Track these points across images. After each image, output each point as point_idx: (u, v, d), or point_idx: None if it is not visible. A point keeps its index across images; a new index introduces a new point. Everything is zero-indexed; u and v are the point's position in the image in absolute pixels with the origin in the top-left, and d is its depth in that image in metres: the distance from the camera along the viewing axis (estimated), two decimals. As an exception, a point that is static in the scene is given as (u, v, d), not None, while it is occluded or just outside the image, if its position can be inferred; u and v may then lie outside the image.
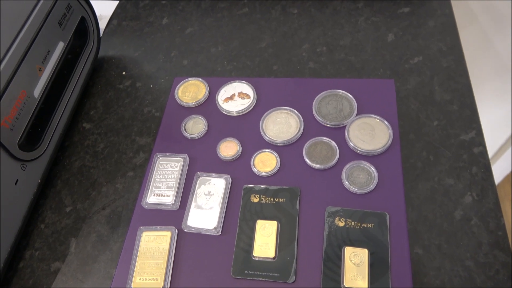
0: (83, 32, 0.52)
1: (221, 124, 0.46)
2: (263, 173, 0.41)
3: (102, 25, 0.60)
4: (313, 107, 0.45)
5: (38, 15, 0.43)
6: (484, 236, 0.37)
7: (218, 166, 0.43)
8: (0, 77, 0.37)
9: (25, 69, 0.41)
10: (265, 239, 0.37)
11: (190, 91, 0.49)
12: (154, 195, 0.41)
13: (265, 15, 0.57)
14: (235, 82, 0.48)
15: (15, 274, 0.40)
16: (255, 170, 0.41)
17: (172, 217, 0.40)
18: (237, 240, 0.38)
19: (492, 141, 0.92)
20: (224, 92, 0.48)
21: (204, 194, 0.40)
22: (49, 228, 0.43)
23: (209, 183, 0.41)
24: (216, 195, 0.40)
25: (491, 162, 0.98)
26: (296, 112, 0.45)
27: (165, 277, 0.36)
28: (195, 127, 0.46)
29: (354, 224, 0.37)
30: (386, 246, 0.35)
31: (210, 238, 0.39)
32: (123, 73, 0.55)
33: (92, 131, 0.50)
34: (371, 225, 0.37)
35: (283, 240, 0.37)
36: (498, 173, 1.01)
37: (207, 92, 0.48)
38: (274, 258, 0.36)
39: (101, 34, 0.59)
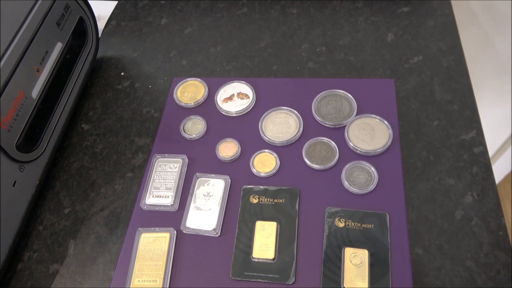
0: (81, 33, 0.51)
1: (220, 125, 0.46)
2: (262, 174, 0.41)
3: (101, 25, 0.60)
4: (312, 107, 0.45)
5: (36, 15, 0.42)
6: (485, 236, 0.36)
7: (217, 167, 0.43)
8: (-2, 78, 0.37)
9: (23, 69, 0.40)
10: (265, 240, 0.37)
11: (189, 91, 0.48)
12: (152, 196, 0.41)
13: (264, 15, 0.57)
14: (234, 82, 0.48)
15: (13, 276, 0.40)
16: (254, 170, 0.41)
17: (171, 218, 0.40)
18: (236, 241, 0.37)
19: (492, 140, 0.92)
20: (223, 93, 0.48)
21: (203, 195, 0.40)
22: (48, 229, 0.43)
23: (208, 184, 0.41)
24: (215, 196, 0.40)
25: (491, 161, 0.98)
26: (296, 112, 0.44)
27: (163, 279, 0.36)
28: (194, 127, 0.46)
29: (354, 224, 0.37)
30: (386, 246, 0.35)
31: (209, 239, 0.38)
32: (122, 73, 0.54)
33: (90, 132, 0.49)
34: (371, 226, 0.36)
35: (283, 241, 0.37)
36: (499, 172, 1.00)
37: (206, 93, 0.48)
38: (273, 259, 0.36)
39: (100, 35, 0.59)
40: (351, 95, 0.45)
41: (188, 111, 0.48)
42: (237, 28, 0.56)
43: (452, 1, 0.64)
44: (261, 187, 0.40)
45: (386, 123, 0.42)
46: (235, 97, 0.47)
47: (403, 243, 0.36)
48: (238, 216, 0.39)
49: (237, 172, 0.42)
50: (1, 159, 0.38)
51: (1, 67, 0.37)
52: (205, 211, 0.39)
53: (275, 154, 0.42)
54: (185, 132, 0.45)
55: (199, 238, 0.39)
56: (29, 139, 0.43)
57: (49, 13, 0.44)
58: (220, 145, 0.43)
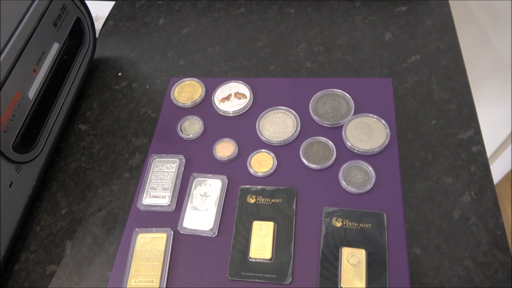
0: (78, 33, 0.51)
1: (218, 125, 0.46)
2: (259, 174, 0.41)
3: (98, 25, 0.60)
4: (310, 107, 0.44)
5: (32, 16, 0.42)
6: (483, 236, 0.36)
7: (214, 167, 0.43)
8: (-6, 78, 0.37)
9: (20, 70, 0.40)
10: (262, 240, 0.36)
11: (186, 91, 0.48)
12: (149, 196, 0.40)
13: (262, 15, 0.57)
14: (231, 82, 0.48)
15: (10, 277, 0.40)
16: (251, 170, 0.41)
17: (168, 218, 0.40)
18: (233, 242, 0.37)
19: (491, 140, 0.92)
20: (221, 92, 0.47)
21: (200, 195, 0.40)
22: (45, 230, 0.43)
23: (205, 184, 0.40)
24: (212, 196, 0.40)
25: (490, 161, 0.98)
26: (293, 112, 0.44)
27: (160, 279, 0.36)
28: (191, 127, 0.45)
29: (352, 224, 0.36)
30: (384, 246, 0.35)
31: (206, 239, 0.38)
32: (119, 74, 0.54)
33: (88, 132, 0.49)
34: (369, 225, 0.36)
35: (280, 241, 0.37)
36: (498, 172, 1.00)
37: (203, 93, 0.48)
38: (270, 259, 0.36)
39: (97, 35, 0.59)
40: (349, 95, 0.45)
41: (186, 111, 0.48)
42: (234, 28, 0.56)
43: (450, 1, 0.64)
44: (258, 187, 0.40)
45: (384, 122, 0.42)
46: (232, 97, 0.47)
47: (400, 243, 0.36)
48: (235, 216, 0.39)
49: (234, 172, 0.42)
50: (-3, 159, 0.37)
51: (-3, 68, 0.37)
52: (202, 211, 0.39)
53: (272, 154, 0.42)
54: (182, 132, 0.45)
55: (196, 238, 0.38)
56: (26, 140, 0.42)
57: (45, 13, 0.44)
58: (217, 145, 0.43)
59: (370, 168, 0.39)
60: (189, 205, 0.39)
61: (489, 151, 0.95)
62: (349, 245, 0.35)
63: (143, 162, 0.45)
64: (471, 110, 0.44)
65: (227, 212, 0.40)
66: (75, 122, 0.51)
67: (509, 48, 0.74)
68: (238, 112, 0.46)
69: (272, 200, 0.39)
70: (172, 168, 0.42)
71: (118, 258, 0.38)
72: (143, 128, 0.48)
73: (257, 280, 0.35)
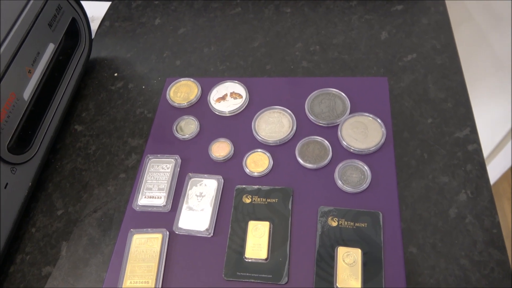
0: (74, 34, 0.51)
1: (213, 125, 0.46)
2: (255, 174, 0.41)
3: (94, 26, 0.60)
4: (305, 106, 0.44)
5: (27, 16, 0.42)
6: (479, 234, 0.36)
7: (210, 167, 0.43)
8: (-12, 79, 0.37)
9: (14, 71, 0.40)
10: (257, 240, 0.36)
11: (182, 91, 0.48)
12: (145, 197, 0.40)
13: (258, 15, 0.57)
14: (227, 82, 0.48)
15: (5, 279, 0.40)
16: (247, 170, 0.41)
17: (163, 219, 0.40)
18: (229, 242, 0.37)
19: (489, 139, 0.92)
20: (216, 92, 0.47)
21: (196, 195, 0.40)
22: (40, 231, 0.43)
23: (200, 184, 0.40)
24: (207, 196, 0.39)
25: (488, 160, 0.97)
26: (289, 111, 0.44)
27: (156, 280, 0.36)
28: (187, 127, 0.45)
29: (347, 223, 0.36)
30: (380, 245, 0.35)
31: (201, 240, 0.38)
32: (116, 74, 0.54)
33: (84, 133, 0.49)
34: (364, 225, 0.36)
35: (276, 241, 0.37)
36: (496, 171, 1.00)
37: (199, 93, 0.48)
38: (266, 259, 0.36)
39: (93, 36, 0.59)
40: (344, 94, 0.45)
41: (181, 111, 0.48)
42: (230, 28, 0.56)
43: (446, 0, 0.64)
44: (254, 186, 0.40)
45: (379, 121, 0.42)
46: (228, 97, 0.47)
47: (396, 242, 0.35)
48: (231, 216, 0.39)
49: (230, 172, 0.42)
50: (-8, 161, 0.37)
51: (-9, 69, 0.37)
52: (198, 212, 0.39)
53: (268, 154, 0.42)
54: (178, 133, 0.45)
55: (191, 238, 0.38)
56: (21, 141, 0.42)
57: (40, 14, 0.44)
58: (213, 145, 0.43)
59: (365, 167, 0.39)
60: (184, 206, 0.39)
61: (487, 150, 0.95)
62: (345, 244, 0.35)
63: (139, 163, 0.45)
64: (467, 108, 0.44)
65: (222, 212, 0.39)
66: (71, 123, 0.50)
67: (506, 46, 0.74)
68: (234, 112, 0.46)
69: (268, 200, 0.39)
70: (167, 168, 0.42)
71: (114, 259, 0.38)
72: (139, 129, 0.48)
73: (252, 280, 0.35)
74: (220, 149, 0.43)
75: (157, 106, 0.49)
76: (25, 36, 0.42)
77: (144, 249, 0.37)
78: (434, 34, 0.51)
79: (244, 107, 0.46)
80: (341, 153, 0.41)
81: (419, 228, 0.37)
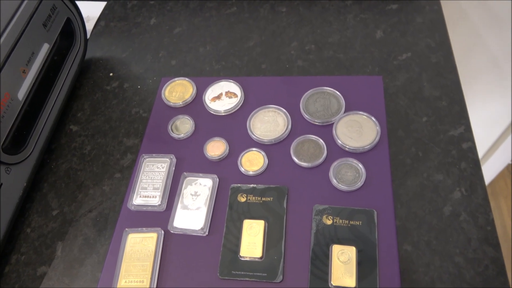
0: (69, 34, 0.51)
1: (209, 124, 0.46)
2: (250, 172, 0.41)
3: (90, 26, 0.60)
4: (300, 105, 0.44)
5: (21, 16, 0.42)
6: (473, 232, 0.36)
7: (205, 166, 0.43)
8: (-19, 79, 0.37)
9: (8, 71, 0.40)
10: (252, 239, 0.36)
11: (177, 91, 0.48)
12: (140, 196, 0.40)
13: (253, 14, 0.57)
14: (222, 81, 0.48)
15: (0, 279, 0.40)
16: (242, 169, 0.41)
17: (158, 218, 0.40)
18: (224, 240, 0.37)
19: (485, 137, 0.92)
20: (211, 92, 0.47)
21: (191, 194, 0.40)
22: (35, 232, 0.42)
23: (195, 183, 0.40)
24: (202, 195, 0.39)
25: (484, 159, 0.98)
26: (284, 110, 0.44)
27: (151, 279, 0.36)
28: (182, 127, 0.45)
29: (342, 222, 0.36)
30: (374, 243, 0.35)
31: (196, 238, 0.38)
32: (111, 74, 0.54)
33: (79, 133, 0.49)
34: (359, 223, 0.36)
35: (271, 240, 0.37)
36: (493, 170, 1.00)
37: (194, 92, 0.48)
38: (261, 257, 0.36)
39: (88, 36, 0.59)
40: (339, 92, 0.45)
41: (177, 111, 0.48)
42: (226, 28, 0.56)
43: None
44: (249, 185, 0.40)
45: (374, 119, 0.42)
46: (223, 96, 0.47)
47: (390, 240, 0.36)
48: (226, 215, 0.39)
49: (225, 171, 0.42)
50: (-14, 161, 0.37)
51: (-15, 69, 0.37)
52: (193, 211, 0.39)
53: (263, 153, 0.42)
54: (173, 132, 0.45)
55: (186, 237, 0.38)
56: (16, 141, 0.42)
57: (35, 14, 0.44)
58: (208, 144, 0.43)
59: (360, 165, 0.39)
60: (179, 205, 0.39)
61: (483, 149, 0.95)
62: (340, 242, 0.35)
63: (135, 162, 0.45)
64: (462, 107, 0.44)
65: (217, 211, 0.39)
66: (66, 123, 0.50)
67: (501, 45, 0.74)
68: (229, 111, 0.46)
69: (263, 199, 0.39)
70: (162, 168, 0.42)
71: (109, 259, 0.38)
72: (135, 128, 0.48)
73: (247, 279, 0.35)
74: (215, 148, 0.43)
75: (152, 106, 0.49)
76: (19, 36, 0.42)
77: (139, 249, 0.37)
78: (429, 33, 0.51)
79: (239, 106, 0.46)
80: (336, 151, 0.41)
81: (413, 226, 0.37)
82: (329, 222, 0.37)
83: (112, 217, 0.42)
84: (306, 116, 0.44)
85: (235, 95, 0.46)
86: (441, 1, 0.55)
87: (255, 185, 0.40)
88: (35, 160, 0.44)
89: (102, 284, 0.37)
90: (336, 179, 0.39)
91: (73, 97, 0.53)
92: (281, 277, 0.35)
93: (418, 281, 0.34)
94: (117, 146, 0.47)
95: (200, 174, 0.41)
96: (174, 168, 0.42)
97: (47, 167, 0.47)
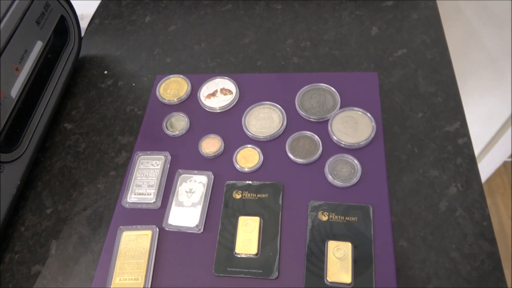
0: (63, 31, 0.51)
1: (204, 121, 0.45)
2: (246, 169, 0.41)
3: (84, 24, 0.60)
4: (296, 102, 0.44)
5: (14, 13, 0.42)
6: (469, 227, 0.36)
7: (200, 163, 0.42)
8: (-27, 76, 0.36)
9: (1, 68, 0.40)
10: (248, 236, 0.36)
11: (172, 88, 0.48)
12: (134, 194, 0.40)
13: (248, 11, 0.57)
14: (217, 78, 0.48)
15: (-6, 278, 0.40)
16: (237, 166, 0.41)
17: (153, 215, 0.40)
18: (219, 237, 0.37)
19: (481, 135, 0.92)
20: (206, 89, 0.47)
21: (186, 191, 0.39)
22: (29, 230, 0.42)
23: (190, 181, 0.40)
24: (197, 193, 0.39)
25: (480, 156, 0.98)
26: (279, 107, 0.44)
27: (145, 277, 0.35)
28: (177, 124, 0.45)
29: (338, 218, 0.36)
30: (370, 239, 0.35)
31: (192, 236, 0.38)
32: (105, 72, 0.54)
33: (73, 131, 0.49)
34: (355, 219, 0.36)
35: (266, 236, 0.36)
36: (490, 167, 1.01)
37: (189, 89, 0.48)
38: (256, 254, 0.35)
39: (83, 33, 0.58)
40: (335, 89, 0.45)
41: (171, 108, 0.47)
42: (221, 25, 0.56)
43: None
44: (244, 182, 0.40)
45: (369, 115, 0.42)
46: (218, 93, 0.46)
47: (386, 236, 0.35)
48: (221, 212, 0.38)
49: (220, 168, 0.42)
50: (-21, 159, 0.37)
51: (-23, 66, 0.37)
52: (188, 208, 0.38)
53: (258, 149, 0.41)
54: (168, 129, 0.45)
55: (181, 235, 0.38)
56: (9, 139, 0.42)
57: (28, 11, 0.44)
58: (203, 141, 0.43)
59: (356, 161, 0.39)
60: (174, 202, 0.39)
61: (479, 146, 0.95)
62: (335, 238, 0.35)
63: (129, 160, 0.45)
64: (457, 102, 0.44)
65: (213, 208, 0.39)
66: (61, 121, 0.50)
67: (498, 42, 0.74)
68: (224, 108, 0.45)
69: (258, 195, 0.39)
70: (157, 165, 0.42)
71: (103, 257, 0.38)
72: (129, 126, 0.48)
73: (243, 276, 0.35)
74: (210, 145, 0.42)
75: (147, 104, 0.49)
76: (12, 33, 0.41)
77: (134, 246, 0.37)
78: (424, 29, 0.51)
79: (234, 103, 0.46)
80: (332, 147, 0.41)
81: (409, 222, 0.37)
82: (324, 218, 0.36)
83: (106, 215, 0.42)
84: (301, 112, 0.43)
85: (230, 92, 0.46)
86: (436, -2, 0.55)
87: (250, 182, 0.40)
88: (29, 158, 0.44)
89: (97, 283, 0.36)
90: (331, 175, 0.39)
91: (67, 95, 0.52)
92: (276, 274, 0.34)
93: (414, 277, 0.34)
94: (112, 144, 0.47)
95: (195, 171, 0.41)
96: (169, 166, 0.42)
97: (41, 165, 0.47)
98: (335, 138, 0.41)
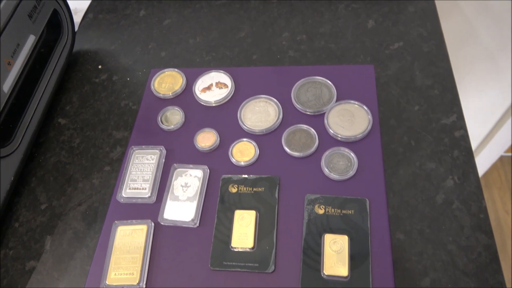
0: (56, 26, 0.50)
1: (199, 115, 0.45)
2: (242, 163, 0.40)
3: (78, 18, 0.59)
4: (292, 95, 0.44)
5: (6, 6, 0.41)
6: (466, 220, 0.36)
7: (196, 157, 0.42)
8: (-36, 70, 0.36)
9: (-7, 62, 0.39)
10: (244, 229, 0.36)
11: (167, 82, 0.48)
12: (129, 188, 0.40)
13: (244, 5, 0.56)
14: (212, 72, 0.47)
15: (-12, 275, 0.39)
16: (233, 160, 0.40)
17: (148, 210, 0.39)
18: (215, 231, 0.37)
19: (478, 129, 0.92)
20: (202, 83, 0.47)
21: (181, 186, 0.39)
22: (24, 226, 0.42)
23: (185, 175, 0.40)
24: (193, 187, 0.39)
25: (478, 150, 0.98)
26: (275, 100, 0.44)
27: (141, 271, 0.35)
28: (172, 118, 0.45)
29: (334, 211, 0.36)
30: (367, 232, 0.35)
31: (187, 230, 0.38)
32: (100, 66, 0.53)
33: (68, 126, 0.48)
34: (351, 212, 0.36)
35: (262, 230, 0.36)
36: (487, 161, 1.01)
37: (184, 83, 0.47)
38: (252, 248, 0.35)
39: (76, 28, 0.58)
40: (331, 82, 0.44)
41: (166, 102, 0.47)
42: (216, 19, 0.56)
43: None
44: (240, 176, 0.39)
45: (366, 108, 0.41)
46: (213, 87, 0.46)
47: (383, 228, 0.35)
48: (217, 206, 0.38)
49: (216, 162, 0.41)
50: (-29, 154, 0.36)
51: (-32, 59, 0.36)
52: (183, 202, 0.38)
53: (254, 143, 0.41)
54: (163, 123, 0.44)
55: (177, 229, 0.38)
56: (3, 134, 0.41)
57: (19, 4, 0.43)
58: (198, 135, 0.43)
59: (352, 154, 0.39)
60: (169, 196, 0.39)
61: (476, 140, 0.95)
62: (332, 232, 0.35)
63: (124, 155, 0.44)
64: (454, 95, 0.44)
65: (208, 202, 0.39)
66: (55, 116, 0.50)
67: (495, 36, 0.74)
68: (220, 102, 0.45)
69: (254, 189, 0.38)
70: (152, 159, 0.41)
71: (98, 252, 0.38)
72: (124, 121, 0.47)
73: (239, 269, 0.35)
74: (206, 139, 0.42)
75: (142, 98, 0.48)
76: (4, 26, 0.41)
77: (129, 241, 0.37)
78: (421, 22, 0.50)
79: (229, 96, 0.46)
80: (328, 141, 0.41)
81: (406, 215, 0.37)
82: (321, 211, 0.36)
83: (101, 210, 0.41)
84: (297, 105, 0.43)
85: (225, 85, 0.46)
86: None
87: (246, 176, 0.39)
88: (23, 154, 0.44)
89: (92, 277, 0.36)
90: (328, 168, 0.38)
91: (61, 90, 0.52)
92: (273, 267, 0.34)
93: (410, 269, 0.34)
94: (106, 139, 0.46)
95: (191, 165, 0.41)
96: (164, 160, 0.42)
97: (35, 160, 0.46)
98: (332, 131, 0.41)
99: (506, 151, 0.95)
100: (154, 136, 0.44)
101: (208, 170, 0.40)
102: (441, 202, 0.37)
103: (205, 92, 0.46)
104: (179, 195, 0.39)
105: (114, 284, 0.35)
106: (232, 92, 0.46)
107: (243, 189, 0.39)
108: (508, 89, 0.80)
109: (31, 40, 0.45)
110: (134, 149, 0.42)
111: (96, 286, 0.36)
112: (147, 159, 0.41)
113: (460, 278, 0.33)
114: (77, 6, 0.61)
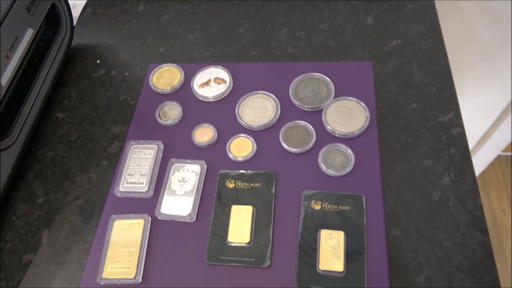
0: (54, 20, 0.50)
1: (197, 110, 0.45)
2: (239, 159, 0.40)
3: (76, 13, 0.59)
4: (290, 91, 0.44)
5: (4, 1, 0.41)
6: (462, 217, 0.36)
7: (193, 153, 0.42)
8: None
9: (-9, 55, 0.39)
10: (240, 224, 0.36)
11: (165, 77, 0.47)
12: (127, 182, 0.40)
13: (243, 1, 0.56)
14: (210, 67, 0.47)
15: (-15, 267, 0.39)
16: (231, 155, 0.41)
17: (146, 204, 0.39)
18: (212, 226, 0.37)
19: (475, 128, 0.92)
20: (200, 78, 0.47)
21: (178, 180, 0.39)
22: (21, 220, 0.42)
23: (183, 170, 0.40)
24: (190, 182, 0.39)
25: (475, 149, 0.98)
26: (273, 96, 0.44)
27: (137, 265, 0.35)
28: (170, 113, 0.45)
29: (331, 207, 0.36)
30: (362, 228, 0.35)
31: (184, 225, 0.38)
32: (98, 61, 0.53)
33: (65, 120, 0.48)
34: (348, 208, 0.36)
35: (259, 225, 0.36)
36: (484, 161, 1.01)
37: (182, 78, 0.47)
38: (249, 243, 0.35)
39: (75, 22, 0.58)
40: (329, 78, 0.44)
41: (164, 97, 0.47)
42: (215, 14, 0.56)
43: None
44: (238, 171, 0.40)
45: (363, 105, 0.42)
46: (211, 82, 0.46)
47: (379, 224, 0.35)
48: (214, 201, 0.38)
49: (213, 157, 0.41)
50: (-32, 146, 0.36)
51: (-34, 52, 0.36)
52: (180, 197, 0.38)
53: (251, 138, 0.41)
54: (161, 118, 0.44)
55: (174, 224, 0.38)
56: (0, 128, 0.41)
57: (18, -2, 0.43)
58: (196, 131, 0.43)
59: (349, 150, 0.39)
60: (166, 191, 0.39)
61: (474, 140, 0.96)
62: (328, 227, 0.35)
63: (122, 150, 0.44)
64: (452, 93, 0.44)
65: (205, 197, 0.39)
66: (53, 111, 0.50)
67: (494, 35, 0.74)
68: (218, 98, 0.45)
69: (251, 185, 0.38)
70: (150, 154, 0.41)
71: (95, 246, 0.38)
72: (122, 116, 0.47)
73: (235, 264, 0.35)
74: (203, 134, 0.42)
75: (140, 93, 0.48)
76: (2, 20, 0.41)
77: (126, 235, 0.37)
78: (420, 20, 0.50)
79: (228, 92, 0.46)
80: (325, 137, 0.41)
81: (402, 212, 0.37)
82: (317, 207, 0.36)
83: (99, 205, 0.41)
84: (295, 102, 0.43)
85: (223, 81, 0.46)
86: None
87: (243, 171, 0.39)
88: (20, 148, 0.44)
89: (88, 271, 0.36)
90: (325, 164, 0.38)
91: (59, 84, 0.52)
92: (269, 262, 0.34)
93: (406, 265, 0.34)
94: (104, 134, 0.46)
95: (188, 160, 0.41)
96: (161, 155, 0.42)
97: (32, 154, 0.46)
98: (329, 128, 0.41)
99: (504, 151, 0.95)
100: (152, 131, 0.44)
101: (206, 165, 0.41)
102: (437, 199, 0.37)
103: (203, 87, 0.46)
104: (176, 190, 0.39)
105: (111, 277, 0.35)
106: (230, 88, 0.46)
107: (240, 184, 0.39)
108: (507, 88, 0.80)
109: (29, 33, 0.45)
110: (131, 143, 0.42)
111: (92, 280, 0.36)
112: (145, 154, 0.41)
113: (455, 274, 0.34)
114: (75, 0, 0.60)
